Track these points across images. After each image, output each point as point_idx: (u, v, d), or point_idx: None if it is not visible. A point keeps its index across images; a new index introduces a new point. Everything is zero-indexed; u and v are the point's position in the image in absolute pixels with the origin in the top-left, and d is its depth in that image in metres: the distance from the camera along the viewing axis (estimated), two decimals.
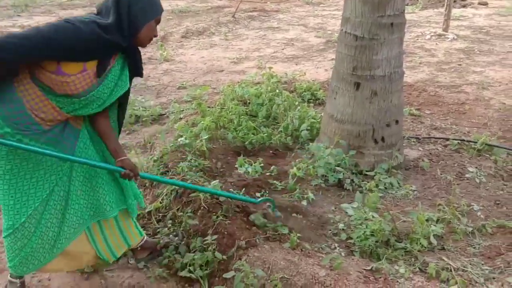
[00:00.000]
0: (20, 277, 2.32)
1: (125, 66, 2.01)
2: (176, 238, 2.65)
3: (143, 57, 2.17)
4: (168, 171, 3.25)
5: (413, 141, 4.07)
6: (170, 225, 2.78)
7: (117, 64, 1.97)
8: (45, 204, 2.08)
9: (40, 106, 1.89)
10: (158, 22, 1.98)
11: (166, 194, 2.97)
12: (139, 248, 2.54)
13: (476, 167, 3.57)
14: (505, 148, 3.86)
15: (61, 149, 2.02)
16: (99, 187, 2.23)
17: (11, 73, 1.83)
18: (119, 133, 2.27)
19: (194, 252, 2.49)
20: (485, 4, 11.40)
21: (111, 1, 1.88)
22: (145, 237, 2.55)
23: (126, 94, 2.10)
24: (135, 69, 2.06)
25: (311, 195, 3.08)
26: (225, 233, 2.54)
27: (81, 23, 1.82)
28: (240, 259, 2.35)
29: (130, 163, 2.11)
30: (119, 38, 1.87)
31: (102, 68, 1.91)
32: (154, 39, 2.07)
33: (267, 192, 3.19)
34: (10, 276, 2.31)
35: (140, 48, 2.05)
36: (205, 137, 3.59)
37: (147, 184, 3.19)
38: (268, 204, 2.67)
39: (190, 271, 2.37)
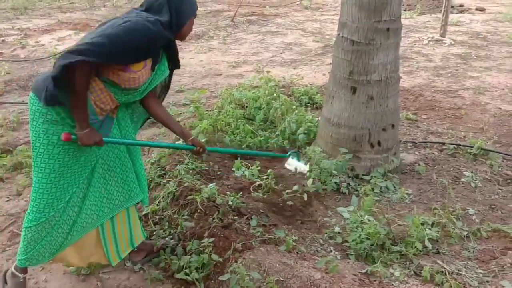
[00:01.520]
0: (24, 271, 2.29)
1: (163, 56, 2.15)
2: (172, 240, 2.66)
3: None
4: (165, 174, 3.27)
5: (410, 145, 4.10)
6: (166, 227, 2.79)
7: (162, 57, 2.13)
8: (73, 193, 2.13)
9: (101, 98, 2.02)
10: (195, 17, 2.15)
11: (163, 197, 2.98)
12: (135, 250, 2.55)
13: (472, 172, 3.59)
14: (500, 153, 3.89)
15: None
16: (118, 176, 2.29)
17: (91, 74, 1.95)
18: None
19: (190, 254, 2.49)
20: (483, 10, 11.47)
21: None
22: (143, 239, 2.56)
23: (170, 79, 2.33)
24: (175, 61, 2.22)
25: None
26: (221, 235, 2.56)
27: (148, 23, 1.92)
28: (236, 261, 2.36)
29: (198, 141, 2.38)
30: (171, 34, 2.03)
31: (155, 62, 2.07)
32: None
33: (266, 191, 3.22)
34: (14, 269, 2.28)
35: None
36: (203, 140, 3.61)
37: None
38: (293, 155, 2.89)
39: (186, 274, 2.38)
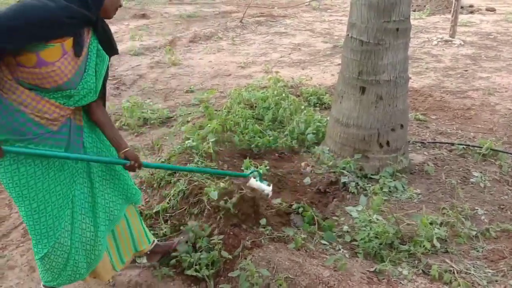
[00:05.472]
0: None
1: (94, 39, 1.91)
2: (186, 243, 2.66)
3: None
4: (175, 172, 3.30)
5: (418, 146, 4.09)
6: (177, 225, 2.82)
7: (92, 41, 1.89)
8: (71, 212, 2.01)
9: (39, 108, 1.79)
10: None
11: (173, 195, 3.02)
12: (148, 253, 2.52)
13: (481, 172, 3.58)
14: (510, 154, 3.87)
15: (72, 149, 1.95)
16: (120, 173, 2.17)
17: None
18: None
19: (200, 251, 2.53)
20: (493, 10, 11.39)
21: None
22: (155, 242, 2.51)
23: (106, 75, 2.00)
24: (109, 45, 1.96)
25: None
26: (231, 233, 2.59)
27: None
28: (245, 258, 2.39)
29: (133, 153, 2.05)
30: (89, 12, 1.78)
31: (78, 46, 1.81)
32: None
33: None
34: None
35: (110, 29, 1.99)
36: (212, 140, 3.64)
37: (154, 185, 3.24)
38: (255, 174, 2.72)
39: (196, 270, 2.41)
